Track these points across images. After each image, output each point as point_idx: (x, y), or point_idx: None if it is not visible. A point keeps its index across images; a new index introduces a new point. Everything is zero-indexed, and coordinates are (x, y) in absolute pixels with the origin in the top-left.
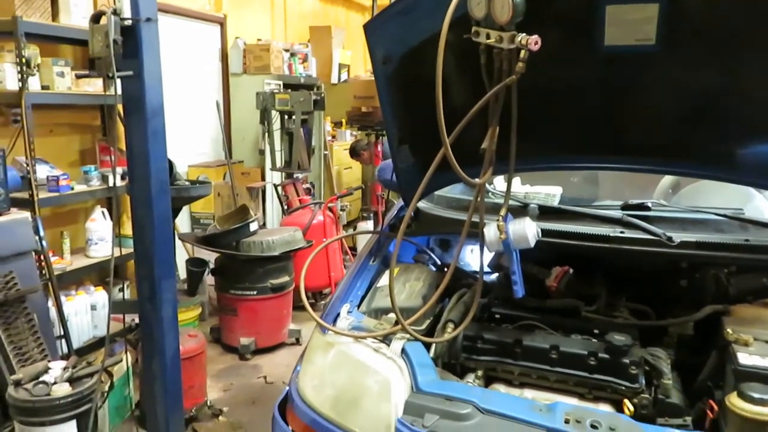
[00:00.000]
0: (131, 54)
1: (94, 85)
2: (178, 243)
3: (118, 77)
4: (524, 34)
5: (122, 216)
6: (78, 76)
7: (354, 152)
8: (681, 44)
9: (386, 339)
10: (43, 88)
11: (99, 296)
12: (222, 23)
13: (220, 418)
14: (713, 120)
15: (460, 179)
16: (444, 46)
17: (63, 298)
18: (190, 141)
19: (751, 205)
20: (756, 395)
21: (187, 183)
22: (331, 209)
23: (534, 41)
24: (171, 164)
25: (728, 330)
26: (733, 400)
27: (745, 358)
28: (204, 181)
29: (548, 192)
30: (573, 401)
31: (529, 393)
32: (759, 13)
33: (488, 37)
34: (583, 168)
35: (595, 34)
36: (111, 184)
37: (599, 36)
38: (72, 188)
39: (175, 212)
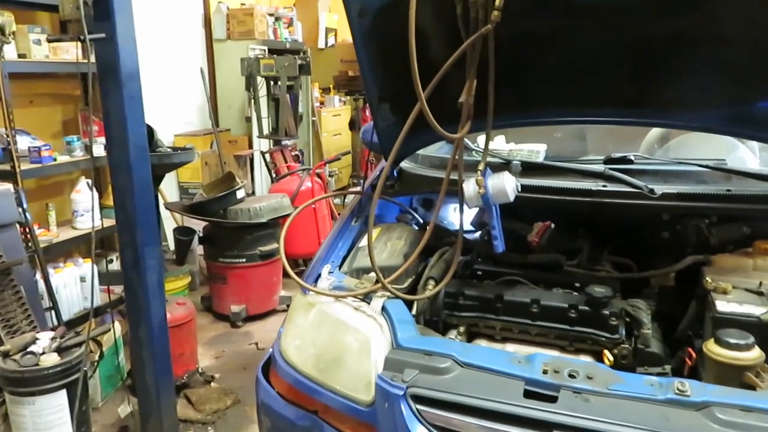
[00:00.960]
0: (103, 16)
1: (72, 54)
2: (167, 213)
3: (90, 40)
4: None
5: (108, 187)
6: (49, 40)
7: (353, 125)
8: None
9: (367, 298)
10: (19, 56)
11: (88, 268)
12: None
13: (212, 384)
14: (696, 69)
15: (439, 135)
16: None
17: (51, 270)
18: (175, 110)
19: (735, 155)
20: (732, 341)
21: (169, 150)
22: (319, 175)
23: None
24: (151, 130)
25: (708, 279)
26: (710, 347)
27: (723, 306)
28: (187, 148)
29: (532, 149)
30: (554, 354)
31: (510, 347)
32: None
33: None
34: (564, 122)
35: None
36: (93, 153)
37: None
38: (55, 159)
39: (158, 179)
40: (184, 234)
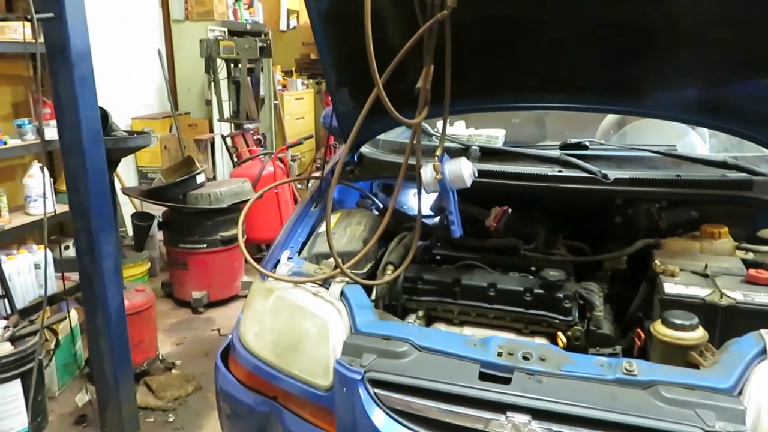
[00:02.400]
0: None
1: (21, 33)
2: (126, 198)
3: (37, 20)
4: None
5: (63, 172)
6: None
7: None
8: None
9: (326, 283)
10: None
11: (42, 254)
12: None
13: (173, 371)
14: (648, 56)
15: (396, 120)
16: None
17: (3, 258)
18: (132, 92)
19: (685, 141)
20: (677, 321)
21: (124, 133)
22: (281, 160)
23: None
24: (105, 113)
25: (657, 262)
26: (657, 327)
27: (670, 288)
28: (144, 132)
29: (491, 134)
30: (510, 336)
31: (468, 330)
32: None
33: None
34: (522, 108)
35: None
36: (44, 137)
37: None
38: (5, 143)
39: (114, 164)
40: (142, 219)
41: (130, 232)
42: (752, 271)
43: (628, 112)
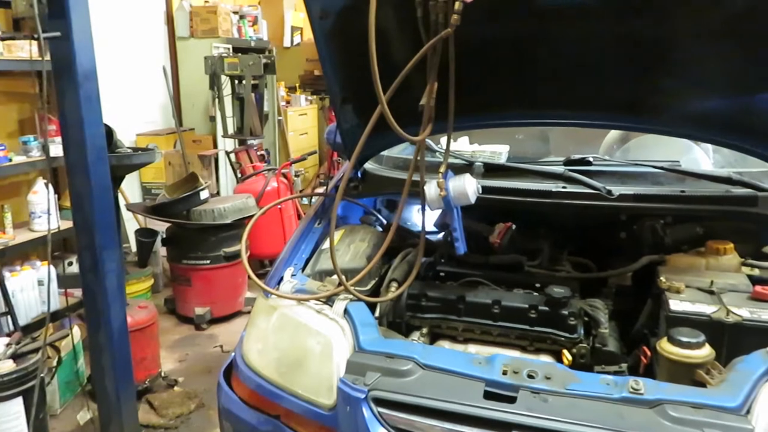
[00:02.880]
0: (58, 14)
1: (28, 51)
2: (129, 214)
3: (44, 39)
4: None
5: (67, 188)
6: (1, 38)
7: None
8: None
9: (330, 301)
10: None
11: (46, 271)
12: None
13: (176, 388)
14: (649, 72)
15: (400, 137)
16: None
17: (7, 274)
18: (137, 109)
19: (689, 157)
20: (684, 339)
21: (129, 150)
22: (285, 175)
23: None
24: (110, 130)
25: (662, 278)
26: (663, 345)
27: (676, 305)
28: (148, 149)
29: (494, 150)
30: (515, 354)
31: (473, 348)
32: None
33: None
34: (525, 124)
35: None
36: (49, 153)
37: None
38: (10, 159)
39: (118, 180)
40: (146, 236)
41: (134, 248)
42: (758, 288)
43: (632, 128)
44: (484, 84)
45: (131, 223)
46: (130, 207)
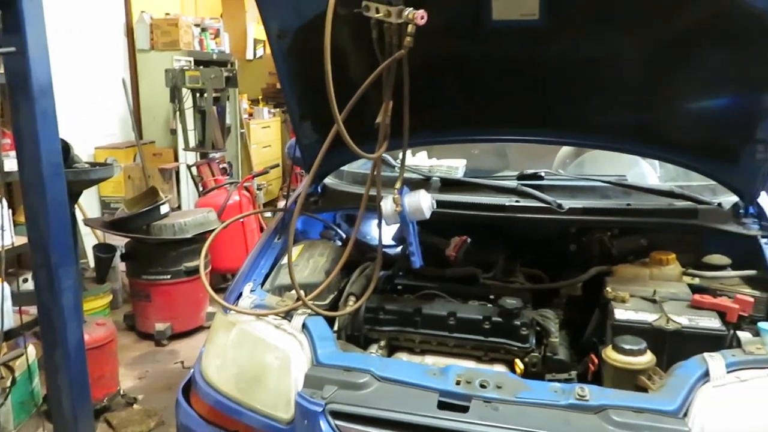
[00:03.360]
0: (13, 29)
1: None
2: (88, 229)
3: None
4: (411, 9)
5: (22, 203)
6: None
7: None
8: (562, 19)
9: (288, 315)
10: None
11: (0, 288)
12: None
13: (135, 406)
14: (593, 90)
15: (356, 155)
16: (331, 21)
17: None
18: (96, 122)
19: (635, 171)
20: (627, 346)
21: (86, 165)
22: (247, 189)
23: (420, 15)
24: (67, 146)
25: (608, 288)
26: (608, 353)
27: (620, 314)
28: (106, 163)
29: (451, 165)
30: (470, 364)
31: (430, 359)
32: None
33: (377, 11)
34: (478, 140)
35: (483, 8)
36: (3, 168)
37: (487, 11)
38: None
39: (75, 196)
40: (104, 251)
41: (92, 264)
42: (697, 296)
43: (576, 144)
44: (438, 102)
45: (89, 238)
46: (88, 222)
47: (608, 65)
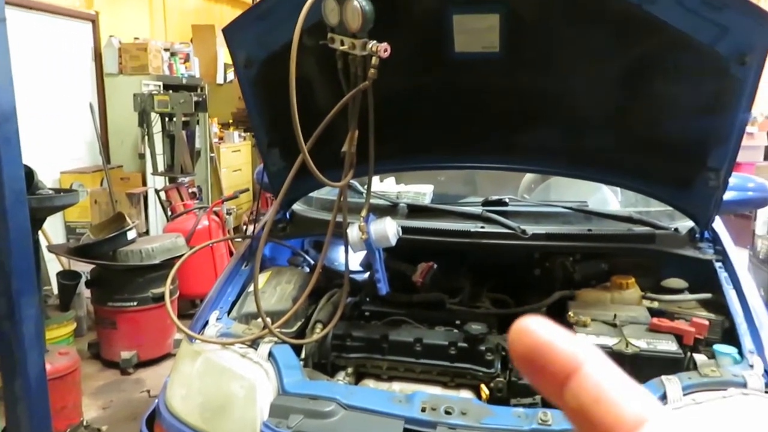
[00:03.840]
0: None
1: None
2: (53, 255)
3: None
4: (375, 42)
5: None
6: None
7: None
8: (520, 51)
9: (255, 344)
10: None
11: None
12: (94, 21)
13: None
14: (552, 120)
15: (322, 183)
16: (296, 54)
17: None
18: (62, 146)
19: (597, 196)
20: None
21: (50, 192)
22: (216, 213)
23: (384, 48)
24: (30, 172)
25: (570, 313)
26: None
27: (582, 338)
28: (71, 190)
29: (418, 190)
30: (436, 390)
31: (397, 386)
32: (581, 23)
33: (342, 43)
34: (442, 168)
35: (446, 41)
36: None
37: (449, 43)
38: None
39: (39, 223)
40: (69, 278)
41: (56, 291)
42: (655, 320)
43: (537, 171)
44: (404, 130)
45: (53, 264)
46: (52, 249)
47: (565, 95)
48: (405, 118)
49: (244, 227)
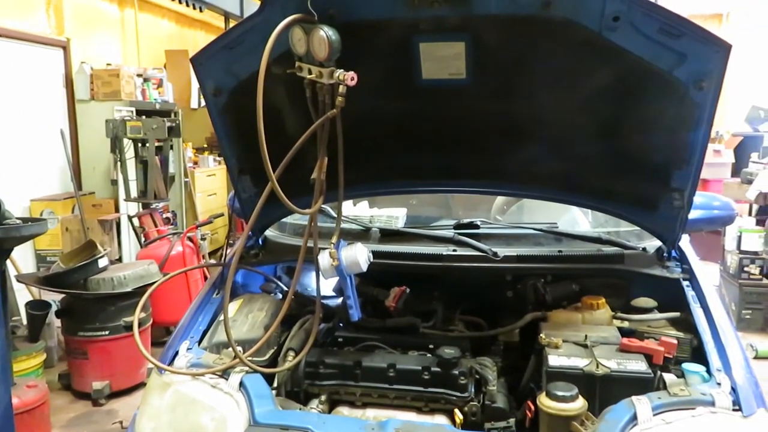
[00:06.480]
0: None
1: None
2: (22, 285)
3: None
4: (342, 70)
5: None
6: None
7: None
8: (487, 77)
9: (226, 374)
10: None
11: None
12: (65, 47)
13: None
14: (520, 143)
15: (291, 210)
16: (264, 82)
17: None
18: (32, 173)
19: (566, 218)
20: (559, 393)
21: (17, 221)
22: (191, 239)
23: (350, 77)
24: None
25: (542, 335)
26: (542, 399)
27: (554, 360)
28: (39, 219)
29: (391, 214)
30: (411, 415)
31: (371, 412)
32: (544, 49)
33: (310, 72)
34: (412, 192)
35: (413, 68)
36: None
37: (417, 70)
38: None
39: (6, 253)
40: (38, 308)
41: (25, 322)
42: (625, 340)
43: (506, 194)
44: (373, 156)
45: (23, 294)
46: (21, 278)
47: (532, 120)
48: (375, 144)
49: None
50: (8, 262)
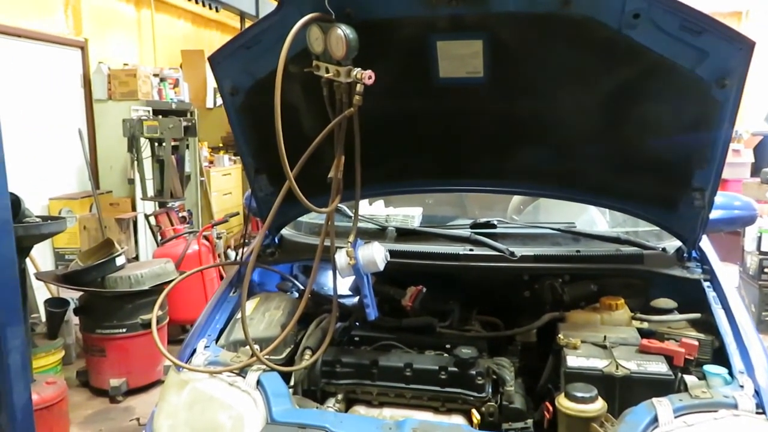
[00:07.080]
0: None
1: None
2: (41, 282)
3: None
4: (359, 69)
5: None
6: None
7: None
8: (505, 76)
9: (243, 372)
10: None
11: None
12: (83, 47)
13: None
14: (539, 142)
15: (308, 209)
16: (281, 81)
17: None
18: (50, 172)
19: (584, 218)
20: (578, 394)
21: (37, 219)
22: (207, 238)
23: (368, 75)
24: (17, 200)
25: (560, 335)
26: (561, 400)
27: (572, 361)
28: (58, 217)
29: (407, 213)
30: (428, 415)
31: (387, 412)
32: (563, 47)
33: (327, 71)
34: (429, 191)
35: (431, 67)
36: None
37: (434, 69)
38: None
39: (26, 251)
40: (57, 305)
41: (44, 319)
42: (645, 341)
43: (525, 193)
44: (391, 155)
45: (41, 292)
46: (40, 276)
47: (551, 119)
48: (392, 143)
49: (233, 252)
50: (28, 260)
